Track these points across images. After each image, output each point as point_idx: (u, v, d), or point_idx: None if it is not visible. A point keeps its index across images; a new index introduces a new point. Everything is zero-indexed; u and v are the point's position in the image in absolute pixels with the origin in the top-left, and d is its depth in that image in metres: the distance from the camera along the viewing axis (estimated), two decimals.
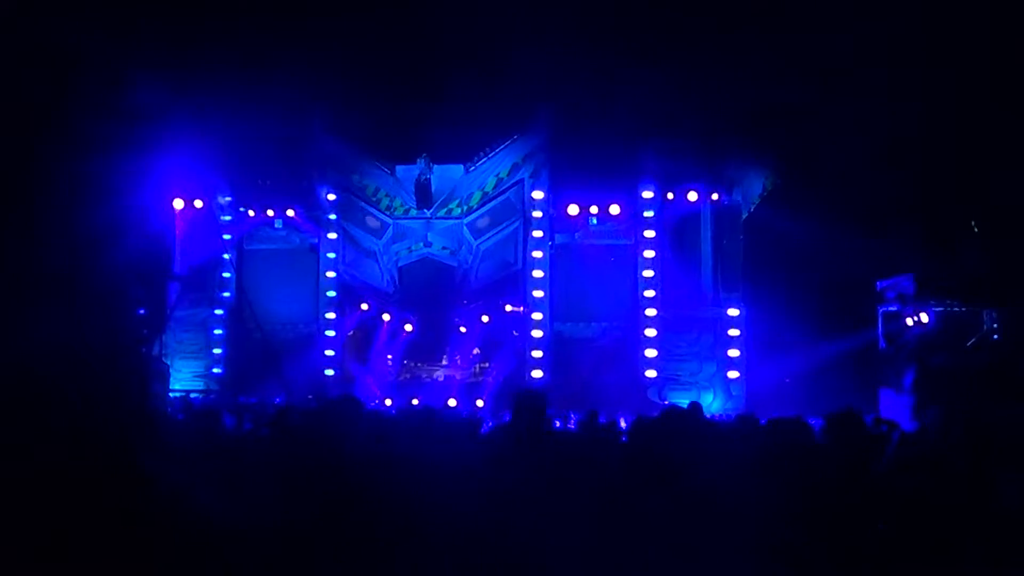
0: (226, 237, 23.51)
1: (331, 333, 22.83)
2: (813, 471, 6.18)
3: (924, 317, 18.92)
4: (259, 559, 4.43)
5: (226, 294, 23.37)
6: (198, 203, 22.91)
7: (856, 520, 5.57)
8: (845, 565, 5.24)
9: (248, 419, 12.61)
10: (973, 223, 20.40)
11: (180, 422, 10.90)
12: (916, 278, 19.11)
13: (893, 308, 19.77)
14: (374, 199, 23.42)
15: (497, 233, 23.12)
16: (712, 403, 21.22)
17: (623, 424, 12.66)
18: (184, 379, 22.05)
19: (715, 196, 22.45)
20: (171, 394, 19.82)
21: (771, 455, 6.44)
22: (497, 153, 23.02)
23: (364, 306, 23.47)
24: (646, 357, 21.95)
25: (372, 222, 23.42)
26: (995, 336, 19.01)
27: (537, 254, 22.50)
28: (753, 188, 22.60)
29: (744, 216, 22.71)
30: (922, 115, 19.49)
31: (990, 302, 18.94)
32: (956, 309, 19.10)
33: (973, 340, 18.96)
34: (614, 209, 22.67)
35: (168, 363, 20.85)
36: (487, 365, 23.19)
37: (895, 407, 17.66)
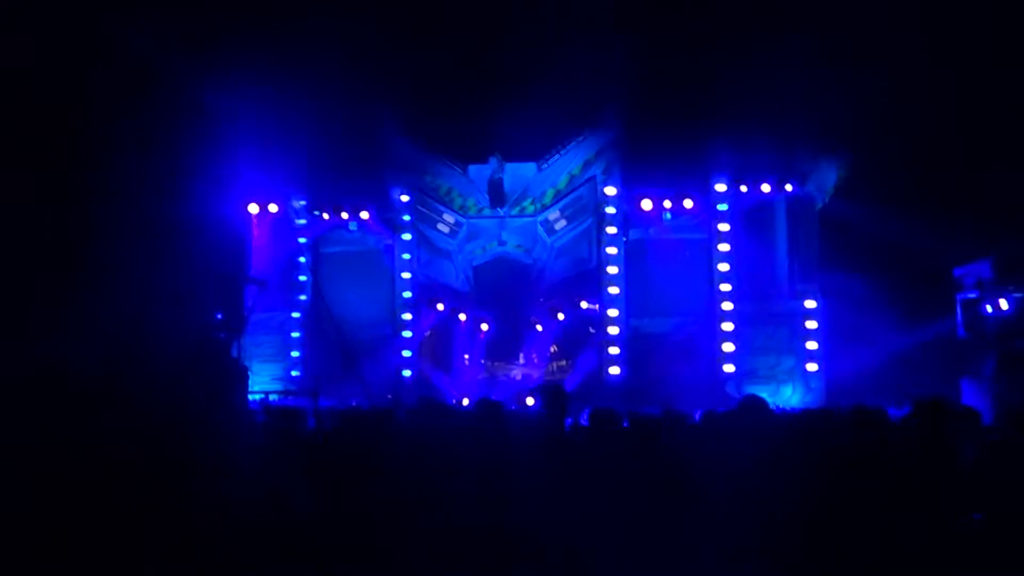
0: (301, 240, 23.70)
1: (407, 334, 22.91)
2: (897, 460, 6.14)
3: (1004, 303, 18.66)
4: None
5: (303, 297, 23.54)
6: (273, 207, 23.13)
7: (947, 510, 5.53)
8: (938, 555, 5.21)
9: (327, 420, 12.73)
10: None
11: (260, 423, 11.01)
12: (994, 263, 18.86)
13: (972, 295, 19.52)
14: (447, 199, 23.50)
15: (571, 230, 23.11)
16: (791, 396, 21.10)
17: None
18: (263, 382, 22.21)
19: (789, 188, 22.31)
20: (250, 396, 20.05)
21: (852, 446, 6.42)
22: (569, 150, 23.02)
23: (440, 306, 23.53)
24: (723, 351, 21.86)
25: (446, 222, 23.49)
26: None
27: (611, 250, 22.44)
28: (827, 179, 22.41)
29: (819, 207, 22.53)
30: (995, 97, 19.25)
31: None
32: None
33: None
34: (687, 203, 22.57)
35: (247, 366, 21.07)
36: (564, 363, 23.20)
37: (977, 396, 17.45)
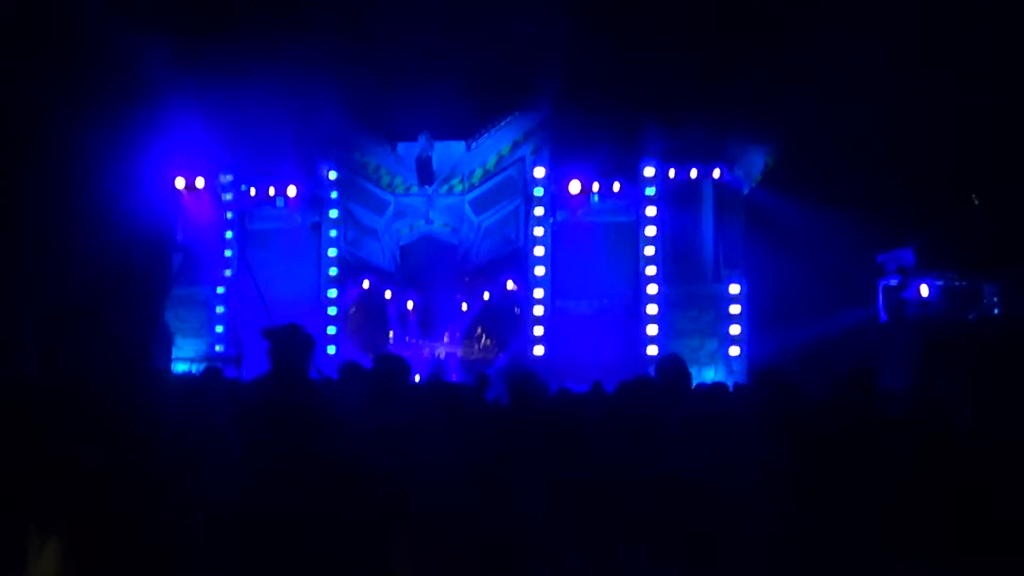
0: (228, 216, 23.51)
1: (333, 311, 22.84)
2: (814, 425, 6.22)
3: (924, 289, 18.93)
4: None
5: (228, 272, 23.35)
6: (199, 181, 22.92)
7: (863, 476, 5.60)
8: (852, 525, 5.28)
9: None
10: (974, 196, 20.41)
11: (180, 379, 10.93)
12: (916, 250, 19.13)
13: (894, 281, 19.79)
14: (375, 176, 23.40)
15: (498, 211, 23.12)
16: (714, 379, 21.26)
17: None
18: (186, 355, 22.03)
19: (717, 173, 22.46)
20: (174, 364, 19.96)
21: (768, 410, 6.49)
22: (499, 130, 23.01)
23: (366, 284, 23.47)
24: (647, 334, 21.98)
25: (372, 200, 23.41)
26: (995, 310, 19.03)
27: (538, 231, 22.50)
28: (754, 165, 22.62)
29: (745, 192, 22.72)
30: (922, 87, 19.48)
31: (990, 275, 18.96)
32: (957, 283, 19.13)
33: (974, 313, 18.99)
34: (615, 186, 22.67)
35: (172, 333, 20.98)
36: (489, 342, 23.24)
37: (898, 381, 17.69)
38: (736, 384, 14.24)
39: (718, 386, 9.11)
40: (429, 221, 23.39)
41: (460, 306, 23.26)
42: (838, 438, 6.07)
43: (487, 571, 5.33)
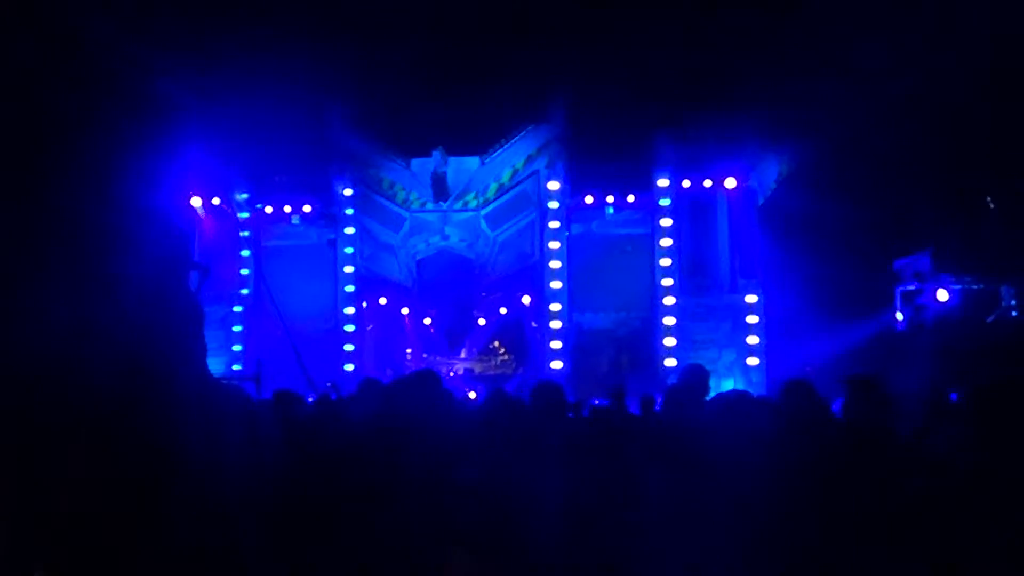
0: (244, 234, 23.55)
1: (350, 328, 22.84)
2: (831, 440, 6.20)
3: (942, 294, 18.90)
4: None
5: (245, 291, 23.38)
6: (215, 200, 22.96)
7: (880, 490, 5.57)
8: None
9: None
10: (989, 199, 20.37)
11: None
12: (933, 255, 19.10)
13: (911, 287, 19.76)
14: (390, 193, 23.45)
15: (514, 224, 23.14)
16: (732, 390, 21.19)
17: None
18: None
19: (730, 182, 22.44)
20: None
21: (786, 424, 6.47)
22: (512, 144, 23.03)
23: (383, 300, 23.51)
24: (665, 345, 21.96)
25: (388, 216, 23.46)
26: (1014, 312, 18.99)
27: (554, 245, 22.49)
28: (768, 173, 22.58)
29: (760, 201, 22.69)
30: (935, 94, 19.45)
31: (1008, 278, 18.92)
32: (974, 287, 19.09)
33: (992, 316, 18.95)
34: (630, 198, 22.68)
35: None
36: (506, 357, 23.26)
37: (914, 386, 17.62)
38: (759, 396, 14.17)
39: (742, 396, 9.08)
40: (445, 236, 23.44)
41: (477, 321, 23.27)
42: (848, 456, 6.04)
43: None
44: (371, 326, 23.72)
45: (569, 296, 22.48)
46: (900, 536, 5.28)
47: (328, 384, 20.08)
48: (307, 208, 23.42)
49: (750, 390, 20.43)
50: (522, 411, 6.66)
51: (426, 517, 5.23)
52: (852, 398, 6.94)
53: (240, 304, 23.27)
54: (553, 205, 22.53)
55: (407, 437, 5.77)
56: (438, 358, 23.21)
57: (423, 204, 23.35)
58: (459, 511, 5.31)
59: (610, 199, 22.73)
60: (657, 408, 12.18)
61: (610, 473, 6.13)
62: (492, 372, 22.90)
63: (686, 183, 22.51)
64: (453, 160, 23.05)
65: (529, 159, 23.03)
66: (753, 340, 21.97)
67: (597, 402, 14.62)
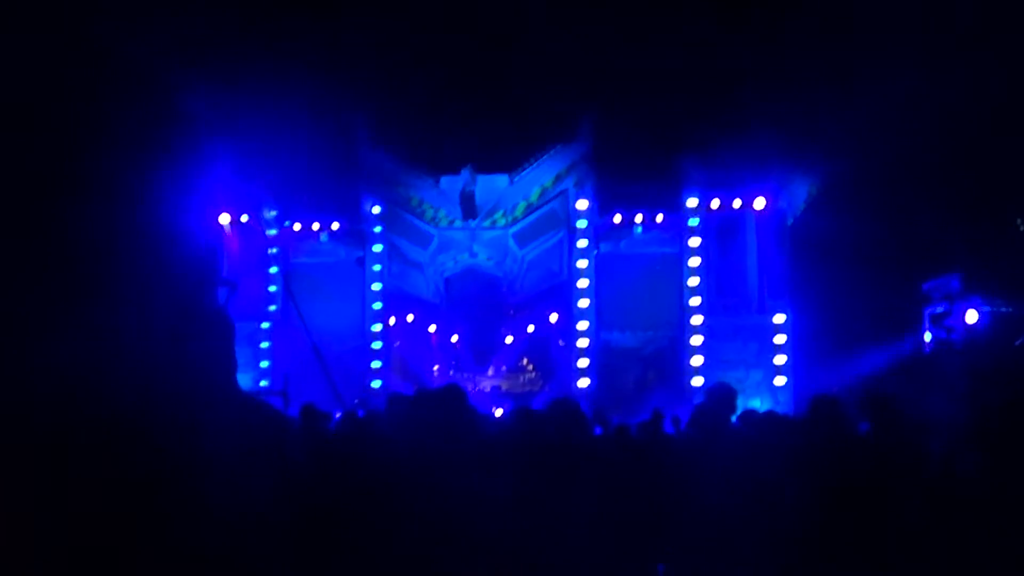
0: (272, 251, 23.60)
1: (377, 345, 22.86)
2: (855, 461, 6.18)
3: (972, 316, 18.80)
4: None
5: (272, 307, 23.43)
6: (244, 217, 23.02)
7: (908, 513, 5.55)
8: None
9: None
10: (1019, 221, 20.26)
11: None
12: (962, 277, 19.01)
13: (940, 309, 19.67)
14: (418, 210, 23.48)
15: (542, 243, 23.15)
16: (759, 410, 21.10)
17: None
18: None
19: (760, 203, 22.37)
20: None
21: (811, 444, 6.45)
22: (541, 163, 23.05)
23: (410, 318, 23.53)
24: (692, 365, 21.90)
25: (416, 233, 23.49)
26: None
27: (582, 264, 22.47)
28: (798, 194, 22.51)
29: (789, 222, 22.61)
30: (964, 113, 19.38)
31: None
32: (1003, 309, 18.98)
33: (1022, 339, 18.83)
34: (659, 217, 22.66)
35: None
36: (534, 374, 23.24)
37: (944, 408, 17.51)
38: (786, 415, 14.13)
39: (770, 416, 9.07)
40: (473, 254, 23.46)
41: (504, 339, 23.27)
42: (874, 476, 6.03)
43: None
44: (398, 343, 23.73)
45: (596, 315, 22.46)
46: (923, 555, 5.25)
47: (356, 400, 20.15)
48: (335, 226, 23.45)
49: (777, 410, 20.48)
50: (546, 428, 6.67)
51: (450, 531, 5.22)
52: (871, 417, 6.92)
53: (268, 320, 23.30)
54: (581, 224, 22.51)
55: (432, 452, 5.78)
56: (465, 375, 23.19)
57: (451, 222, 23.38)
58: (484, 526, 5.31)
59: (639, 218, 22.71)
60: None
61: (640, 491, 6.14)
62: (519, 390, 22.87)
63: (715, 203, 22.42)
64: (482, 178, 23.06)
65: (558, 178, 23.03)
66: (781, 360, 21.88)
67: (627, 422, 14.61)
